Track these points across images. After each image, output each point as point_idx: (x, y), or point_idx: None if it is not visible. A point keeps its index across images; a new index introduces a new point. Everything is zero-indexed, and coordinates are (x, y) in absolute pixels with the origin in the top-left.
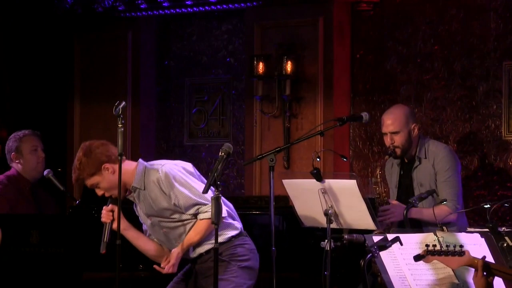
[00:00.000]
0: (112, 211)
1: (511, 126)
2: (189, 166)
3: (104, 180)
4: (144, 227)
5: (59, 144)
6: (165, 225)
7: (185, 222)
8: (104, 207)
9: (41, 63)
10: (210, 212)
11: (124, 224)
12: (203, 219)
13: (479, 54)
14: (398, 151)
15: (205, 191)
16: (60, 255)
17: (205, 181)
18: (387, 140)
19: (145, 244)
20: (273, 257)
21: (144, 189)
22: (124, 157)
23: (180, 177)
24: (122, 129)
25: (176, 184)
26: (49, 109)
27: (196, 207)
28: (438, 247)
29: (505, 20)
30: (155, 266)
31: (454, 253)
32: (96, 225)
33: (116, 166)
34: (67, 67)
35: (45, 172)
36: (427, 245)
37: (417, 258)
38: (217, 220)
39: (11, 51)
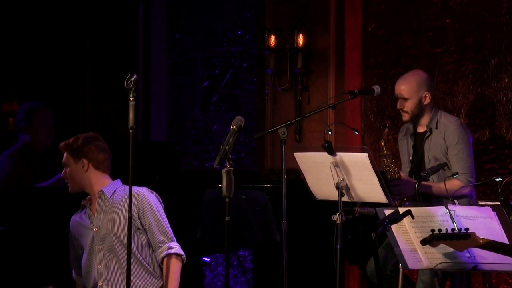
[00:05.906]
0: None
1: None
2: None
3: (72, 170)
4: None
5: (70, 118)
6: (121, 249)
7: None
8: None
9: (53, 37)
10: (180, 249)
11: None
12: (174, 253)
13: (491, 27)
14: (406, 116)
15: (217, 163)
16: None
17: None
18: (398, 104)
19: None
20: (284, 230)
21: (110, 197)
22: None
23: (158, 206)
24: (134, 102)
25: (154, 207)
26: (61, 82)
27: (163, 238)
28: (443, 231)
29: None
30: None
31: (459, 237)
32: None
33: (92, 170)
34: (79, 40)
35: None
36: (432, 230)
37: (424, 242)
38: (228, 193)
39: (22, 25)
